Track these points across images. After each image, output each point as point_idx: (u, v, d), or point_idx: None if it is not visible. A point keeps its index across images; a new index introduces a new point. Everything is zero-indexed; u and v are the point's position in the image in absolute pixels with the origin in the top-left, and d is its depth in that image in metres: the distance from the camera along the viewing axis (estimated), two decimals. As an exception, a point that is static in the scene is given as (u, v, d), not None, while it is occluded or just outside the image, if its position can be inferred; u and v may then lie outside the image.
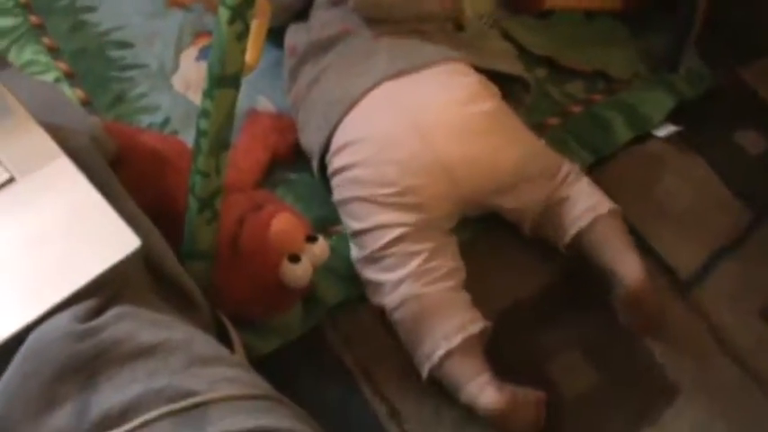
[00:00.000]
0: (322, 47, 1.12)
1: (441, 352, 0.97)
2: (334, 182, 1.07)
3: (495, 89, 1.10)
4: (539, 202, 1.09)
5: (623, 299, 1.05)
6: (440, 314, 0.99)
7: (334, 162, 1.06)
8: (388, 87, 1.05)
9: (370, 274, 1.03)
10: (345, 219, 1.07)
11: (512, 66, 1.17)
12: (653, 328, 1.09)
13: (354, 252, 1.05)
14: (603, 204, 1.09)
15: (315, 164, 1.10)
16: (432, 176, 1.02)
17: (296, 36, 1.17)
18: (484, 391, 0.96)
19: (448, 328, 0.98)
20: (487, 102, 1.07)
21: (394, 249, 1.01)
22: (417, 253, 1.01)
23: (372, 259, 1.02)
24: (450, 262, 1.02)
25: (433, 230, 1.03)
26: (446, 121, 1.03)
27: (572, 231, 1.08)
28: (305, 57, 1.14)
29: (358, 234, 1.04)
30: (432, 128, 1.02)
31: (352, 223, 1.05)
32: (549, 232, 1.11)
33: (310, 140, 1.10)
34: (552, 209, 1.09)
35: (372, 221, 1.02)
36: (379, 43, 1.09)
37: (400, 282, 1.00)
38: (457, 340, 0.97)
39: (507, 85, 1.14)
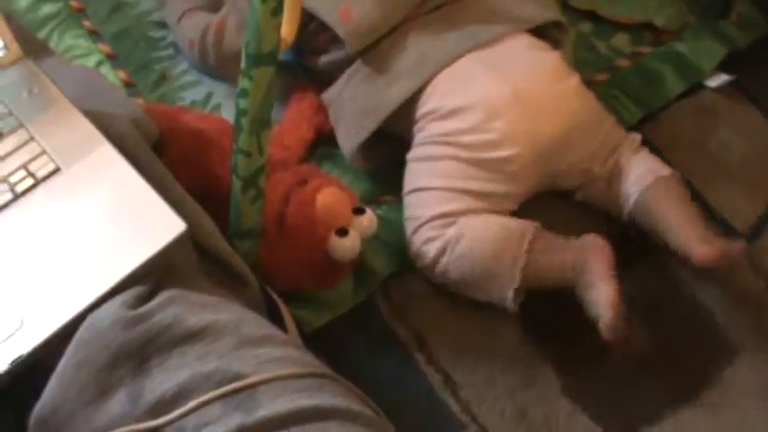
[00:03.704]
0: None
1: (525, 246, 0.99)
2: (428, 143, 1.05)
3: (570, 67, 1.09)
4: (601, 176, 1.08)
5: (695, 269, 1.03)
6: (502, 231, 1.00)
7: (436, 128, 1.04)
8: (478, 56, 1.04)
9: (428, 232, 1.02)
10: (422, 175, 1.04)
11: (543, 12, 1.12)
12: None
13: (416, 210, 1.03)
14: (664, 168, 1.08)
15: (348, 158, 1.10)
16: (528, 148, 1.02)
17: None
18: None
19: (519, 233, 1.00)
20: (572, 78, 1.07)
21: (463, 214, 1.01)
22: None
23: (440, 216, 1.01)
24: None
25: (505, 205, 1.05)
26: (542, 96, 1.04)
27: (635, 194, 1.06)
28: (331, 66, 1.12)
29: (433, 189, 1.03)
30: (530, 100, 1.02)
31: (435, 180, 1.03)
32: (607, 202, 1.09)
33: (342, 142, 1.10)
34: (611, 179, 1.08)
35: (464, 185, 1.02)
36: (408, 38, 1.07)
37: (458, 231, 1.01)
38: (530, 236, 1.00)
39: (539, 29, 1.11)
